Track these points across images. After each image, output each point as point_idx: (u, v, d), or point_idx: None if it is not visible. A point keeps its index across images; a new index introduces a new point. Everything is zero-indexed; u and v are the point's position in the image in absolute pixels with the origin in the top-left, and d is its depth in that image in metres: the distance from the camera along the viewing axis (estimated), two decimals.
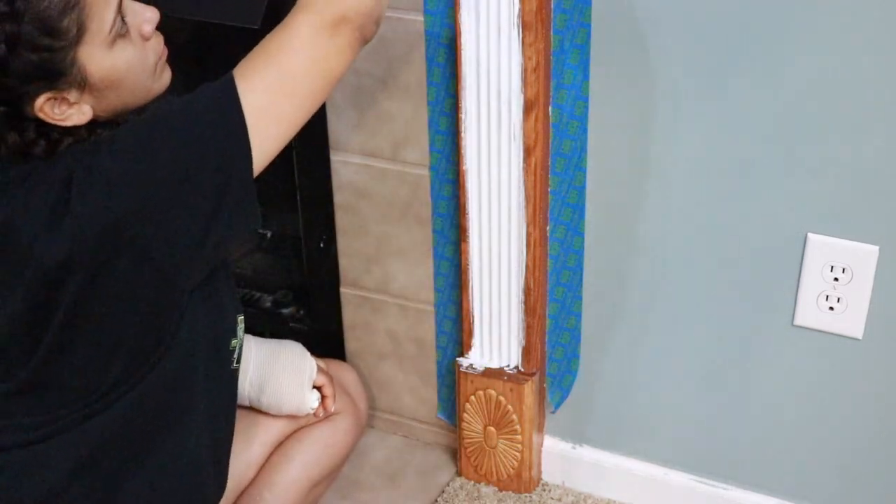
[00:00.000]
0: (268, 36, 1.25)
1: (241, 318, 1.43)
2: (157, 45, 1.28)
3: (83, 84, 1.20)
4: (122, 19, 1.22)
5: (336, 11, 1.23)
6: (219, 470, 1.44)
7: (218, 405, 1.41)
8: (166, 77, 1.30)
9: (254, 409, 1.63)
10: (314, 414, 1.63)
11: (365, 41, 1.27)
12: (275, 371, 1.61)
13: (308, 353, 1.65)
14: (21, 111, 1.20)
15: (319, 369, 1.64)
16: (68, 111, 1.21)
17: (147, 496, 1.35)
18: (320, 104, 1.27)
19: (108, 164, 1.19)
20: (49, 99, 1.19)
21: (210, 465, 1.42)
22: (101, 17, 1.19)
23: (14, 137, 1.21)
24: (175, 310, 1.27)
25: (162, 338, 1.28)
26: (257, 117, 1.20)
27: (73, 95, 1.21)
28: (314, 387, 1.63)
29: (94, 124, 1.24)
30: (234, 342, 1.40)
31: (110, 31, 1.20)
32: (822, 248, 1.50)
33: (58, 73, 1.18)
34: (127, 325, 1.25)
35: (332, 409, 1.64)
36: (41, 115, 1.20)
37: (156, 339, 1.28)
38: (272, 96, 1.21)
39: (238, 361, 1.43)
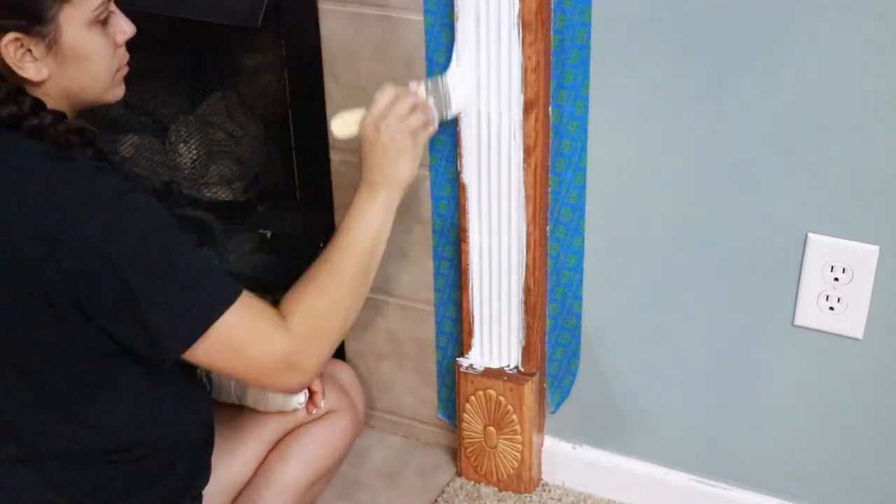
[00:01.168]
0: (275, 311, 1.34)
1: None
2: (123, 57, 1.34)
3: (52, 44, 1.25)
4: (108, 10, 1.29)
5: (300, 369, 1.34)
6: (199, 461, 1.44)
7: (192, 405, 1.43)
8: (120, 91, 1.36)
9: (246, 407, 1.63)
10: (307, 411, 1.63)
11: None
12: None
13: None
14: None
15: None
16: (29, 63, 1.25)
17: (122, 492, 1.36)
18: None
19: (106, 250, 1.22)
20: (16, 40, 1.23)
21: (188, 459, 1.42)
22: None
23: None
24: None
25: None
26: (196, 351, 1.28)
27: (39, 50, 1.25)
28: None
29: (40, 105, 1.27)
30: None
31: (94, 10, 1.26)
32: (823, 248, 1.50)
33: (37, 17, 1.23)
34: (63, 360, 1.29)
35: (322, 405, 1.63)
36: (3, 53, 1.23)
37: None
38: (216, 347, 1.28)
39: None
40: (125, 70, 1.35)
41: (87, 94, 1.32)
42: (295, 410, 1.62)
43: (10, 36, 1.23)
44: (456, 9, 1.52)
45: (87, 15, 1.25)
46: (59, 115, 1.28)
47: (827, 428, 1.61)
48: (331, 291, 1.37)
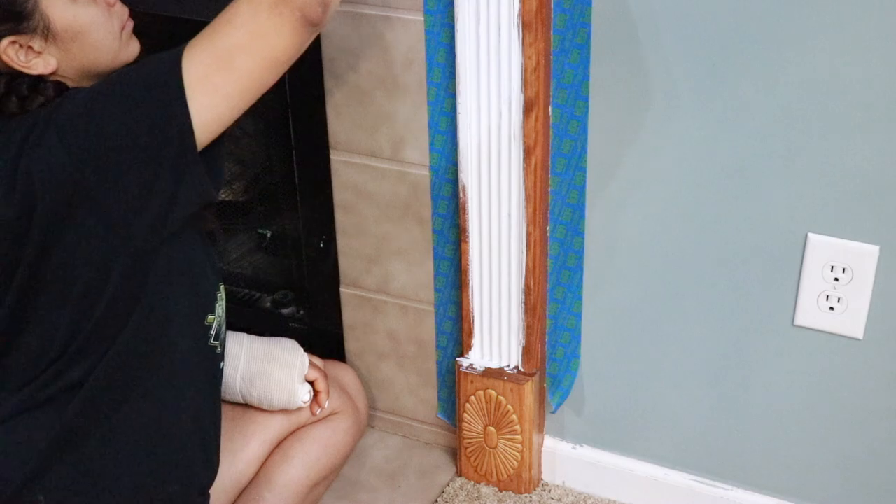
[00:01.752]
0: (219, 13, 1.28)
1: (220, 296, 1.44)
2: (122, 13, 1.34)
3: (46, 32, 1.25)
4: None
5: None
6: (206, 452, 1.44)
7: (196, 381, 1.41)
8: (134, 47, 1.35)
9: (251, 407, 1.63)
10: (311, 411, 1.63)
11: (310, 24, 1.26)
12: (264, 364, 1.61)
13: (300, 349, 1.66)
14: None
15: (312, 364, 1.64)
16: (34, 60, 1.26)
17: (129, 472, 1.35)
18: (263, 86, 1.28)
19: (63, 117, 1.23)
20: (13, 43, 1.24)
21: (195, 446, 1.41)
22: None
23: None
24: (135, 269, 1.28)
25: (123, 298, 1.29)
26: (194, 87, 1.23)
27: (37, 43, 1.25)
28: (308, 382, 1.64)
29: (61, 86, 1.28)
30: (210, 318, 1.41)
31: None
32: (823, 248, 1.50)
33: (19, 15, 1.23)
34: (86, 282, 1.27)
35: (327, 405, 1.64)
36: (6, 59, 1.25)
37: (117, 299, 1.29)
38: (209, 68, 1.24)
39: (217, 340, 1.43)
40: (130, 24, 1.34)
41: (101, 63, 1.31)
42: (299, 409, 1.63)
43: (5, 42, 1.24)
44: (456, 9, 1.52)
45: None
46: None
47: (827, 428, 1.61)
48: None
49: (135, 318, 1.31)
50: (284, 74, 1.74)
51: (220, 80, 1.24)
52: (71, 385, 1.31)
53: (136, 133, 1.23)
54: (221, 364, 1.46)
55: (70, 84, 1.29)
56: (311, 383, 1.64)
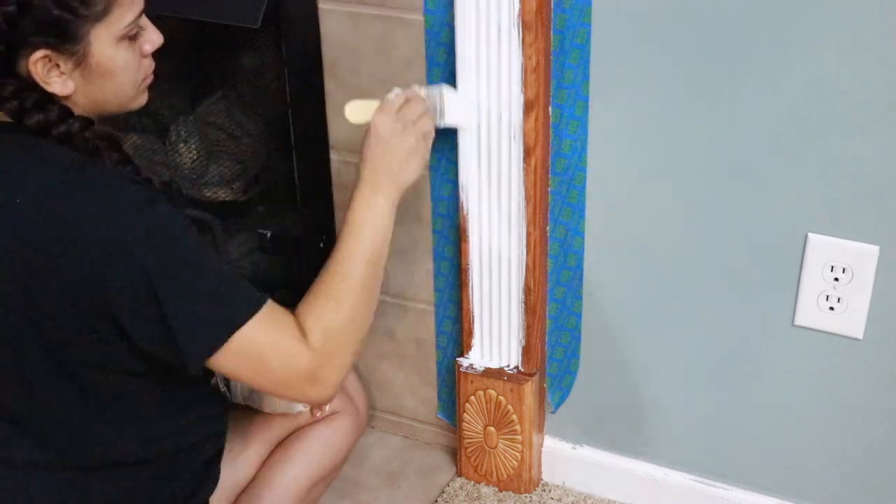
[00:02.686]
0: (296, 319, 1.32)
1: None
2: (149, 66, 1.35)
3: (81, 60, 1.25)
4: (138, 26, 1.29)
5: (325, 382, 1.32)
6: (209, 468, 1.45)
7: (206, 413, 1.44)
8: (144, 98, 1.37)
9: (251, 408, 1.63)
10: (311, 413, 1.63)
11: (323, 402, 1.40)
12: None
13: None
14: (14, 60, 1.24)
15: None
16: (56, 78, 1.26)
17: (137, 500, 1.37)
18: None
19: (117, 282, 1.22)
20: (45, 57, 1.23)
21: (200, 465, 1.42)
22: (125, 11, 1.26)
23: (12, 104, 1.25)
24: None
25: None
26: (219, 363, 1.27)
27: (66, 66, 1.25)
28: None
29: (67, 112, 1.27)
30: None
31: (125, 27, 1.26)
32: (823, 248, 1.50)
33: (68, 37, 1.23)
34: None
35: (328, 408, 1.64)
36: (31, 70, 1.24)
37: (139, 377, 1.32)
38: (238, 368, 1.28)
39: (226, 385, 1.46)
40: (150, 79, 1.36)
41: (112, 105, 1.32)
42: (299, 413, 1.62)
43: (40, 53, 1.23)
44: (456, 9, 1.52)
45: (117, 32, 1.26)
46: (87, 122, 1.28)
47: (827, 428, 1.61)
48: (347, 302, 1.35)
49: (159, 389, 1.35)
50: (284, 74, 1.75)
51: (240, 368, 1.29)
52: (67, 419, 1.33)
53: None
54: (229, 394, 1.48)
55: (75, 111, 1.28)
56: None
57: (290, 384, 1.31)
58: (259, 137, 1.93)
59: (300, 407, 1.62)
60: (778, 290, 1.56)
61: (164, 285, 1.21)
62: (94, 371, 1.28)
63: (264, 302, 1.27)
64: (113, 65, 1.27)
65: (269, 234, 2.01)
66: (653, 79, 1.51)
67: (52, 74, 1.25)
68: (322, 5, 1.66)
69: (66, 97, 1.27)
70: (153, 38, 1.32)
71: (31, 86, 1.25)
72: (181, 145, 1.92)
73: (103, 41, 1.25)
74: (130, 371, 1.29)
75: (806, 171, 1.47)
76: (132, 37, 1.28)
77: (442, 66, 1.61)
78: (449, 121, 1.55)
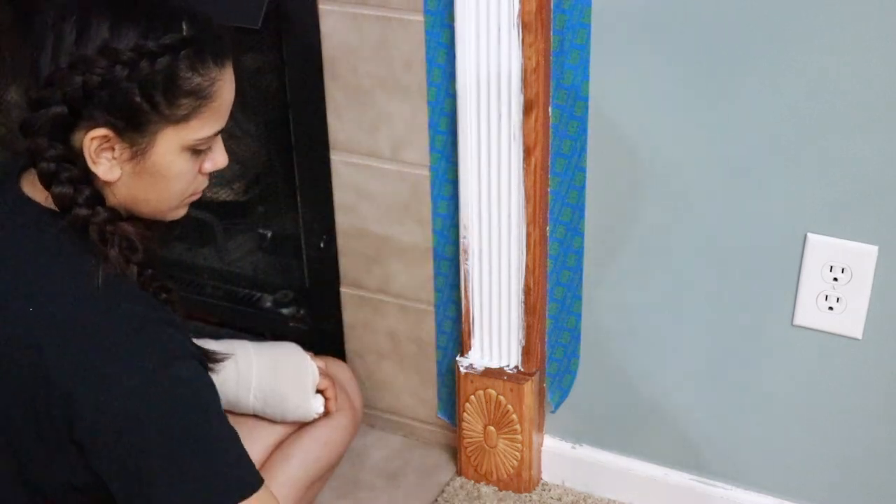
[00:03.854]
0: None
1: None
2: (202, 183, 1.27)
3: (138, 153, 1.18)
4: (209, 144, 1.23)
5: None
6: None
7: None
8: (182, 212, 1.29)
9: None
10: (327, 412, 1.64)
11: None
12: (278, 383, 1.59)
13: (308, 358, 1.64)
14: (73, 127, 1.17)
15: (320, 372, 1.64)
16: (105, 160, 1.18)
17: None
18: None
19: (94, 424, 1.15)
20: (104, 136, 1.16)
21: None
22: (206, 125, 1.20)
23: (41, 142, 1.16)
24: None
25: None
26: None
27: (121, 153, 1.18)
28: (317, 390, 1.63)
29: (97, 199, 1.20)
30: None
31: (197, 140, 1.20)
32: (822, 248, 1.50)
33: (137, 127, 1.16)
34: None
35: (335, 409, 1.64)
36: (85, 143, 1.16)
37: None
38: None
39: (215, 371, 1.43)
40: (197, 196, 1.28)
41: (149, 207, 1.24)
42: (313, 419, 1.63)
43: (101, 131, 1.15)
44: (456, 9, 1.52)
45: (188, 141, 1.19)
46: (115, 215, 1.20)
47: (827, 428, 1.61)
48: None
49: None
50: (284, 74, 1.75)
51: None
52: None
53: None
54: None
55: (108, 199, 1.20)
56: (322, 391, 1.63)
57: None
58: (259, 137, 1.93)
59: (314, 415, 1.62)
60: (777, 290, 1.56)
61: (154, 455, 1.14)
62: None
63: (258, 486, 1.19)
64: (168, 171, 1.20)
65: (269, 234, 2.01)
66: (653, 79, 1.51)
67: (103, 155, 1.17)
68: (322, 5, 1.67)
69: (107, 183, 1.20)
70: (217, 160, 1.25)
71: (77, 160, 1.17)
72: None
73: (170, 144, 1.18)
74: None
75: (806, 171, 1.47)
76: (199, 152, 1.22)
77: (442, 66, 1.61)
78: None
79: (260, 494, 1.18)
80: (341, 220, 1.82)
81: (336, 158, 1.78)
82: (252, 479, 1.19)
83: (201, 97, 1.18)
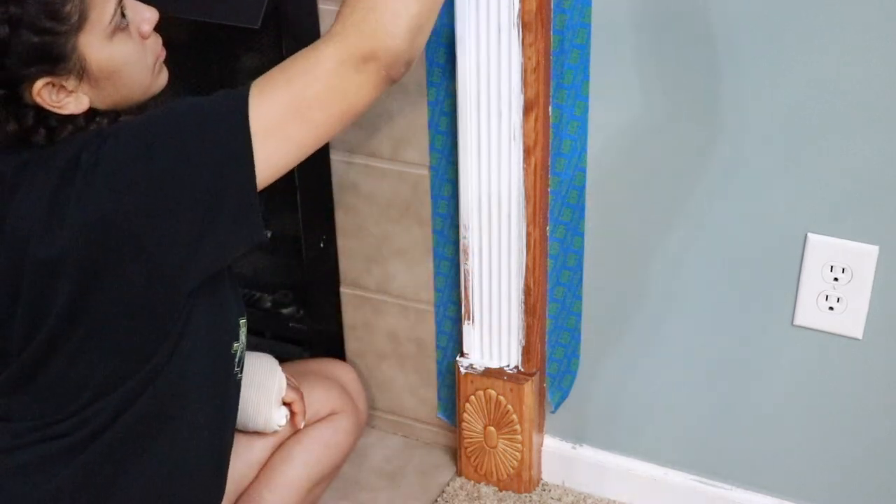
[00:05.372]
0: (294, 55, 1.24)
1: (243, 322, 1.42)
2: (156, 44, 1.30)
3: (81, 72, 1.22)
4: (122, 14, 1.24)
5: (366, 47, 1.21)
6: (218, 477, 1.44)
7: (220, 413, 1.40)
8: (163, 78, 1.32)
9: None
10: (293, 424, 1.61)
11: (392, 81, 1.26)
12: (242, 387, 1.58)
13: (279, 369, 1.61)
14: (20, 96, 1.22)
15: (290, 385, 1.61)
16: (66, 99, 1.23)
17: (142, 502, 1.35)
18: (335, 134, 1.26)
19: (110, 157, 1.19)
20: (47, 84, 1.21)
21: (210, 473, 1.41)
22: (102, 8, 1.21)
23: (13, 125, 1.23)
24: (174, 312, 1.26)
25: (161, 340, 1.27)
26: (264, 134, 1.21)
27: (70, 83, 1.22)
28: (284, 403, 1.61)
29: (93, 113, 1.25)
30: (235, 346, 1.40)
31: (110, 23, 1.22)
32: (822, 248, 1.50)
33: (57, 57, 1.20)
34: (125, 325, 1.25)
35: (302, 426, 1.61)
36: (38, 100, 1.21)
37: (155, 341, 1.27)
38: (283, 117, 1.21)
39: (240, 367, 1.42)
40: (162, 55, 1.31)
41: (133, 97, 1.28)
42: (275, 433, 1.60)
43: (40, 83, 1.20)
44: (456, 9, 1.52)
45: (103, 31, 1.22)
46: (115, 114, 1.26)
47: (827, 428, 1.61)
48: None
49: (173, 361, 1.29)
50: None
51: (293, 132, 1.21)
52: (94, 432, 1.29)
53: (196, 181, 1.19)
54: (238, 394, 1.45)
55: (101, 110, 1.26)
56: (289, 405, 1.61)
57: (343, 81, 1.21)
58: None
59: (275, 426, 1.59)
60: (777, 290, 1.56)
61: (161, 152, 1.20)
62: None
63: (247, 92, 1.22)
64: (115, 63, 1.24)
65: (269, 234, 2.01)
66: (653, 79, 1.51)
67: (61, 97, 1.22)
68: (322, 5, 1.66)
69: (85, 112, 1.24)
70: (147, 17, 1.27)
71: (48, 112, 1.22)
72: None
73: (94, 44, 1.21)
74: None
75: (806, 171, 1.47)
76: (122, 27, 1.24)
77: (442, 66, 1.61)
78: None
79: (255, 88, 1.21)
80: (341, 220, 1.82)
81: (336, 158, 1.78)
82: (242, 94, 1.21)
83: None
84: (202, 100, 1.24)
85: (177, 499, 1.38)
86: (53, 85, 1.21)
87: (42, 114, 1.23)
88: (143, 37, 1.27)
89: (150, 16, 1.28)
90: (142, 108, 1.31)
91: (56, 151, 1.23)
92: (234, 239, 1.25)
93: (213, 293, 1.32)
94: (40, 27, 1.17)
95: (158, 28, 1.30)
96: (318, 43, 1.24)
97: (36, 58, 1.19)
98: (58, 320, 1.24)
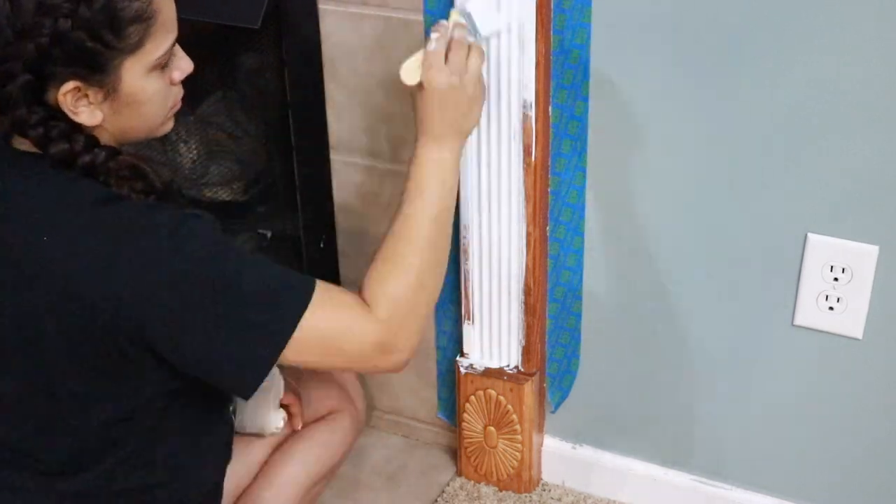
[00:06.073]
0: (342, 301, 1.30)
1: None
2: (178, 93, 1.32)
3: (111, 91, 1.23)
4: (170, 54, 1.26)
5: (402, 349, 1.29)
6: (216, 491, 1.45)
7: (216, 446, 1.43)
8: (169, 125, 1.34)
9: None
10: (290, 426, 1.61)
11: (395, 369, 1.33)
12: None
13: (276, 372, 1.60)
14: (44, 89, 1.21)
15: (288, 387, 1.62)
16: (84, 108, 1.23)
17: None
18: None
19: (144, 289, 1.19)
20: (75, 88, 1.21)
21: (209, 493, 1.43)
22: (159, 42, 1.23)
23: (21, 113, 1.22)
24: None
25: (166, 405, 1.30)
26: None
27: (96, 97, 1.23)
28: (282, 405, 1.60)
29: (93, 142, 1.24)
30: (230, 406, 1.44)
31: (158, 58, 1.24)
32: (822, 248, 1.50)
33: (100, 69, 1.20)
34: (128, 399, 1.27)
35: (300, 427, 1.62)
36: (60, 100, 1.21)
37: (161, 407, 1.30)
38: (308, 358, 1.27)
39: (233, 409, 1.45)
40: (178, 106, 1.33)
41: (139, 132, 1.30)
42: (272, 434, 1.60)
43: (70, 84, 1.20)
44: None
45: (150, 63, 1.23)
46: (113, 151, 1.25)
47: (827, 428, 1.61)
48: (412, 266, 1.31)
49: (173, 418, 1.32)
50: (284, 74, 1.75)
51: (309, 358, 1.27)
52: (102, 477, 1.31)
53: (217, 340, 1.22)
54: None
55: (101, 138, 1.25)
56: (286, 406, 1.61)
57: (364, 358, 1.28)
58: (259, 137, 1.93)
59: (272, 429, 1.59)
60: (777, 290, 1.56)
61: (205, 311, 1.19)
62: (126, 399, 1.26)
63: (313, 288, 1.25)
64: (143, 96, 1.24)
65: (269, 234, 2.01)
66: (653, 79, 1.51)
67: (80, 105, 1.22)
68: (322, 5, 1.67)
69: (93, 127, 1.24)
70: (183, 66, 1.29)
71: (59, 115, 1.22)
72: (181, 145, 1.92)
73: (135, 72, 1.22)
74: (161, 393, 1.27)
75: (806, 171, 1.47)
76: (163, 66, 1.26)
77: None
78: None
79: (318, 297, 1.25)
80: (341, 220, 1.82)
81: (336, 158, 1.78)
82: (303, 287, 1.25)
83: (145, 19, 1.21)
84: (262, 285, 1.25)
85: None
86: (80, 91, 1.21)
87: (51, 115, 1.23)
88: (173, 83, 1.29)
89: (186, 66, 1.30)
90: (137, 146, 1.32)
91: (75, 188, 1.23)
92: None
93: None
94: (98, 35, 1.18)
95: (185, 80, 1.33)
96: (364, 311, 1.29)
97: (80, 60, 1.19)
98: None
